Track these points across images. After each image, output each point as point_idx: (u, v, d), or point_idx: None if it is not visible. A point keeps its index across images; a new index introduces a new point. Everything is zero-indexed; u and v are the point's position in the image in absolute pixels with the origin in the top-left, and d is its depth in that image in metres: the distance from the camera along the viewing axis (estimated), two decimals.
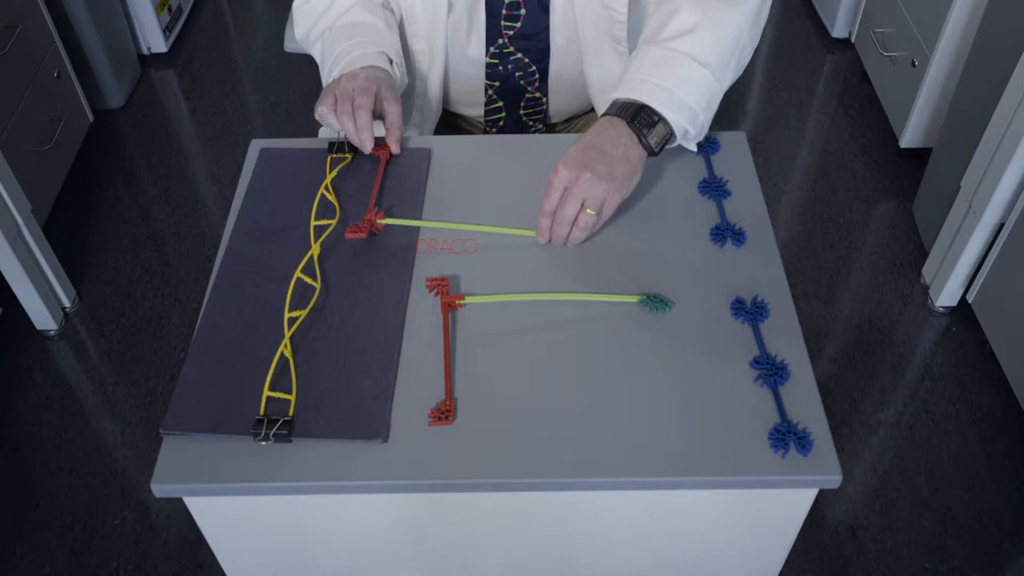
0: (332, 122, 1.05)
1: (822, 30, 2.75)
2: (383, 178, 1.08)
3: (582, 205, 0.96)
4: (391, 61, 1.12)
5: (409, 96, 1.25)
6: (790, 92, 2.57)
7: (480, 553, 0.95)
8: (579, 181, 0.95)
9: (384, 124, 1.08)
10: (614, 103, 1.00)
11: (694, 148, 1.06)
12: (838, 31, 2.69)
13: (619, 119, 0.98)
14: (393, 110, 1.07)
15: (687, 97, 0.98)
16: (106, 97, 2.50)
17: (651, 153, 0.99)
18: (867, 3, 2.51)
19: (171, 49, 2.72)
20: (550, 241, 0.99)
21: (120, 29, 2.53)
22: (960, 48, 2.02)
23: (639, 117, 0.97)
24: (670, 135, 1.00)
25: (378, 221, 1.00)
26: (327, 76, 1.13)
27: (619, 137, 0.97)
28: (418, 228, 1.02)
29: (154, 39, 2.67)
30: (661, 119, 0.98)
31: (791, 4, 2.87)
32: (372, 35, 1.13)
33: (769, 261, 0.98)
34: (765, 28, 1.08)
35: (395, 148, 1.09)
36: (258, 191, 1.07)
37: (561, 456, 0.81)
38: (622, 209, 1.01)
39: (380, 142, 1.09)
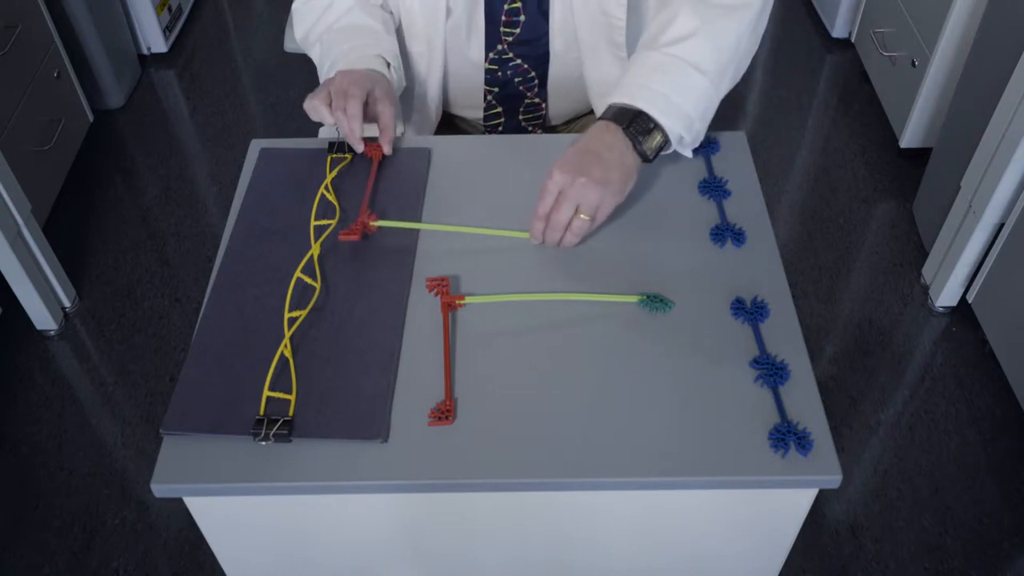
0: (324, 114, 1.04)
1: (822, 30, 2.75)
2: (382, 179, 1.08)
3: (576, 210, 0.95)
4: (388, 65, 1.12)
5: (409, 98, 1.25)
6: (790, 92, 2.57)
7: (480, 553, 0.95)
8: (574, 186, 0.94)
9: (378, 125, 1.07)
10: (611, 107, 1.00)
11: (689, 154, 1.06)
12: (838, 31, 2.69)
13: (615, 124, 0.97)
14: (386, 111, 1.06)
15: (684, 104, 0.98)
16: (106, 97, 2.50)
17: (645, 160, 0.99)
18: (867, 3, 2.51)
19: (171, 49, 2.72)
20: (543, 243, 0.99)
21: (120, 29, 2.53)
22: (960, 48, 2.02)
23: (635, 123, 0.97)
24: (665, 142, 0.99)
25: (371, 223, 1.00)
26: (324, 78, 1.13)
27: (615, 142, 0.97)
28: (419, 227, 1.02)
29: (154, 39, 2.67)
30: (657, 126, 0.98)
31: (791, 4, 2.87)
32: (370, 38, 1.12)
33: (769, 261, 0.98)
34: (764, 30, 1.08)
35: (387, 149, 1.08)
36: (258, 191, 1.07)
37: (561, 456, 0.81)
38: (622, 209, 1.01)
39: (372, 141, 1.09)
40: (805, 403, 0.85)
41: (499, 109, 1.26)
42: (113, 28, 2.48)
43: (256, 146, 1.13)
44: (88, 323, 1.99)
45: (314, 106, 1.05)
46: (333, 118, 1.04)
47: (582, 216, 0.96)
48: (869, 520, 1.62)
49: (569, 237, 0.97)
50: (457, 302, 0.93)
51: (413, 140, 1.15)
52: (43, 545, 1.61)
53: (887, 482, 1.68)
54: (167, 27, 2.69)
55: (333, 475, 0.81)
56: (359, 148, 1.07)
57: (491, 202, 1.05)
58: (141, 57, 2.68)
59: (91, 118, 2.43)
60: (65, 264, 1.98)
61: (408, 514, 0.88)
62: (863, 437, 1.75)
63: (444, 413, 0.84)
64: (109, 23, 2.45)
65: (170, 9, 2.70)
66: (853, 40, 2.63)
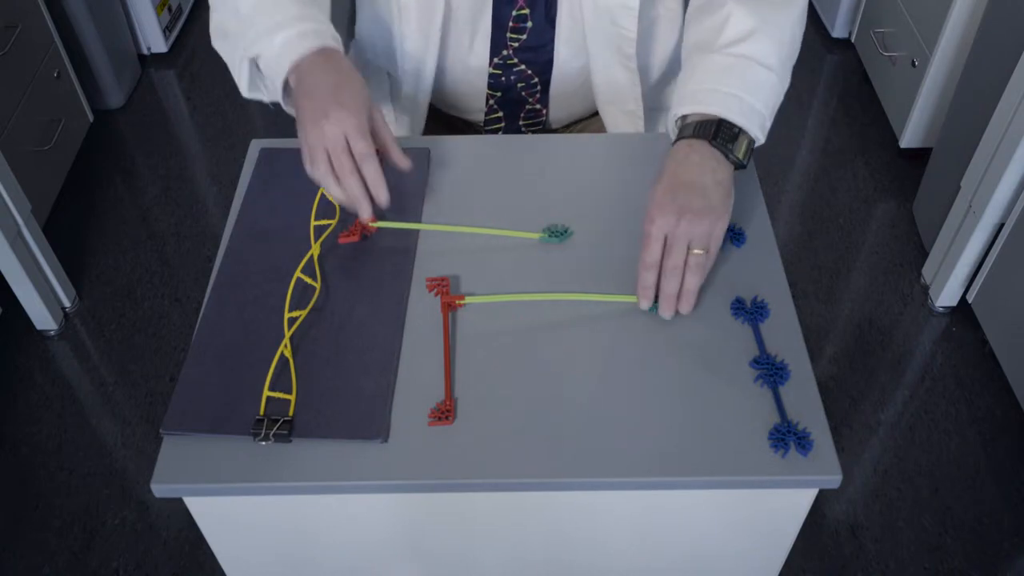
0: (335, 190, 0.90)
1: (822, 30, 2.75)
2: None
3: (688, 247, 0.88)
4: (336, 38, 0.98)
5: (397, 95, 1.25)
6: (790, 92, 2.56)
7: (480, 553, 0.95)
8: (680, 226, 0.87)
9: (377, 145, 0.95)
10: (686, 124, 0.94)
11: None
12: (838, 31, 2.69)
13: (698, 140, 0.91)
14: (385, 132, 0.96)
15: (756, 102, 0.94)
16: (106, 97, 2.50)
17: (740, 167, 0.93)
18: (867, 3, 2.51)
19: (171, 49, 2.72)
20: (658, 302, 0.89)
21: (120, 29, 2.53)
22: (960, 48, 2.02)
23: (720, 133, 0.91)
24: (752, 143, 0.94)
25: (370, 224, 1.00)
26: (259, 38, 0.99)
27: (704, 161, 0.91)
28: (418, 228, 1.02)
29: (154, 39, 2.67)
30: (741, 130, 0.93)
31: None
32: (321, 8, 1.01)
33: (769, 261, 0.98)
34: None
35: (403, 163, 0.97)
36: (258, 191, 1.07)
37: (561, 456, 0.81)
38: (623, 210, 1.00)
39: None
40: (805, 403, 0.85)
41: (500, 114, 1.25)
42: (113, 28, 2.48)
43: (256, 146, 1.13)
44: (88, 323, 1.99)
45: (322, 176, 0.90)
46: (346, 186, 0.90)
47: (696, 252, 0.88)
48: (869, 520, 1.62)
49: (690, 279, 0.88)
50: (457, 302, 0.93)
51: (413, 140, 1.15)
52: (43, 545, 1.61)
53: (887, 482, 1.68)
54: (167, 27, 2.69)
55: (333, 475, 0.80)
56: (367, 216, 0.92)
57: (491, 202, 1.05)
58: (141, 57, 2.68)
59: (91, 118, 2.43)
60: (65, 264, 1.98)
61: (408, 514, 0.88)
62: (863, 437, 1.75)
63: (444, 413, 0.84)
64: (109, 23, 2.46)
65: (170, 9, 2.70)
66: (853, 40, 2.63)
